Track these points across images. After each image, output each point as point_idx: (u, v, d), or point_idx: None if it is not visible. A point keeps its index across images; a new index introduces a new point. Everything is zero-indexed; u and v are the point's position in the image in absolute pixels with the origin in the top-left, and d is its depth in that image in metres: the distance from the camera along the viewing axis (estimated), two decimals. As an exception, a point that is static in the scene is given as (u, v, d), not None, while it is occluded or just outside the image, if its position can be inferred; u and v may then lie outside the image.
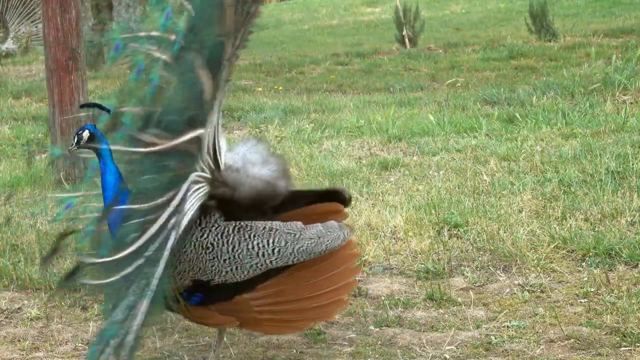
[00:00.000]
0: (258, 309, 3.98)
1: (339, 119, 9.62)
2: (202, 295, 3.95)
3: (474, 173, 7.07)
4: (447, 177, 7.03)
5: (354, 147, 8.41)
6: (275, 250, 3.91)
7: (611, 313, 4.70)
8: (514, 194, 6.42)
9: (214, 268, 3.91)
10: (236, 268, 3.91)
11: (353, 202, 6.19)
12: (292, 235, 3.92)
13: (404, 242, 5.72)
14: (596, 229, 5.70)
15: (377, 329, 4.70)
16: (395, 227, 5.94)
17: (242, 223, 3.94)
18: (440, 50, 15.82)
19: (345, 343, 4.57)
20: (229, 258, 3.90)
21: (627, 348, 4.38)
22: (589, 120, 8.55)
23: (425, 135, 8.60)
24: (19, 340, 4.67)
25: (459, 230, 5.87)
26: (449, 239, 5.75)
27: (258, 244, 3.90)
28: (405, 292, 5.12)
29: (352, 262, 4.10)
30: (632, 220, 5.80)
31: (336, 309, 4.13)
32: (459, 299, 4.96)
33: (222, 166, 3.96)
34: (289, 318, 4.04)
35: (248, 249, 3.90)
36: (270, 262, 3.92)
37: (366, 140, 8.62)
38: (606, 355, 4.32)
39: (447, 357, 4.39)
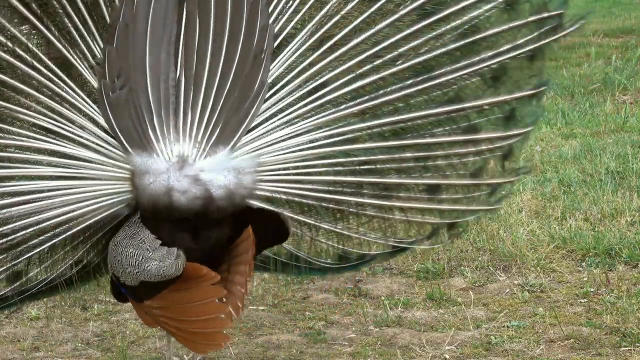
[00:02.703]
0: (161, 319, 3.86)
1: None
2: (125, 290, 3.90)
3: (474, 173, 7.06)
4: (447, 177, 7.03)
5: (354, 147, 8.42)
6: (137, 264, 3.75)
7: (611, 313, 4.70)
8: (514, 194, 6.42)
9: (114, 266, 3.82)
10: (122, 272, 3.78)
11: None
12: (148, 252, 3.75)
13: (404, 242, 5.72)
14: (596, 229, 5.70)
15: (377, 329, 4.70)
16: (395, 227, 5.93)
17: (137, 230, 3.79)
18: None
19: (345, 343, 4.57)
20: (119, 261, 3.79)
21: (627, 348, 4.38)
22: (588, 120, 8.54)
23: (425, 135, 8.59)
24: (19, 340, 4.67)
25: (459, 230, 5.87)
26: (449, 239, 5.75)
27: (131, 252, 3.76)
28: (405, 292, 5.12)
29: (213, 298, 3.77)
30: (632, 220, 5.80)
31: (211, 343, 3.85)
32: (459, 299, 4.96)
33: (141, 169, 3.76)
34: (185, 337, 3.89)
35: (125, 255, 3.77)
36: (135, 273, 3.75)
37: (366, 140, 8.63)
38: (606, 355, 4.33)
39: (447, 357, 4.39)
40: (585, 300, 4.91)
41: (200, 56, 3.83)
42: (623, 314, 4.68)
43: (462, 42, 4.04)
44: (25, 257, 3.87)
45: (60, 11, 3.84)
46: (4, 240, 3.81)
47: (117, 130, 3.77)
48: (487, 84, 4.12)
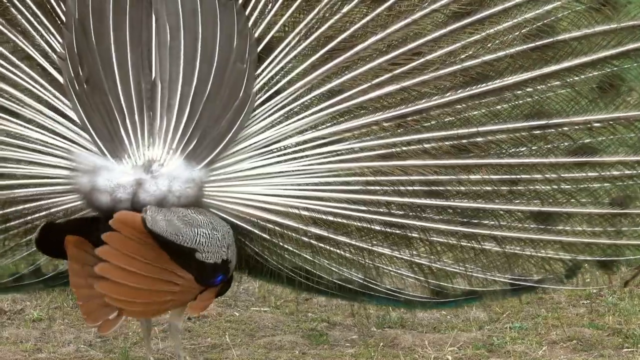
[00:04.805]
0: None
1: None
2: None
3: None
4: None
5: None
6: None
7: (613, 314, 4.70)
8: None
9: None
10: None
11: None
12: None
13: (406, 243, 5.72)
14: (598, 230, 5.69)
15: (379, 330, 4.70)
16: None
17: None
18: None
19: (348, 344, 4.57)
20: None
21: (629, 349, 4.38)
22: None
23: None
24: (21, 342, 4.66)
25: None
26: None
27: None
28: (407, 293, 5.12)
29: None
30: (634, 221, 5.79)
31: None
32: (461, 300, 4.97)
33: (84, 166, 3.76)
34: None
35: None
36: None
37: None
38: (608, 357, 4.33)
39: (449, 358, 4.39)
40: (588, 301, 4.90)
41: (173, 59, 3.70)
42: (625, 315, 4.68)
43: (526, 46, 3.52)
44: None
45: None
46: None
47: (87, 124, 3.70)
48: (586, 97, 3.55)
